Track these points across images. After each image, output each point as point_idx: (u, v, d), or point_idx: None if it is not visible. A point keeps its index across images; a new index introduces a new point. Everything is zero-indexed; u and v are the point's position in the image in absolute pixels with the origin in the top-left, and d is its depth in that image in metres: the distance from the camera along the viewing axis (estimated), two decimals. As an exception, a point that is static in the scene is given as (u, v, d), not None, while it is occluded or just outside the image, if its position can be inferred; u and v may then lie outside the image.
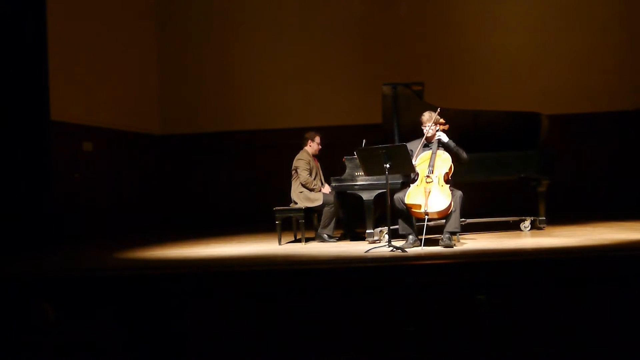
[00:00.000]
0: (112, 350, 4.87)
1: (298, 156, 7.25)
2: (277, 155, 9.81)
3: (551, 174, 7.20)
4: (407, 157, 5.94)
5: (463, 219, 6.65)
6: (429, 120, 6.21)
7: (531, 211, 7.36)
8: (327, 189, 7.20)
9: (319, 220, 7.52)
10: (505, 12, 10.75)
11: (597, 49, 10.46)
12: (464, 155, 6.16)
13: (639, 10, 10.35)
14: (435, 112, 6.27)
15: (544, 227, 7.22)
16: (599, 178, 10.35)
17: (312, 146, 7.33)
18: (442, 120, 6.29)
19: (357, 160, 6.40)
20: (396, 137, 7.00)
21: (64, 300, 4.98)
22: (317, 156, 7.43)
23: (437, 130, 6.22)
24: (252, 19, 11.12)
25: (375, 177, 6.63)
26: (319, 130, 7.70)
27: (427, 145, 6.28)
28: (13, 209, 7.46)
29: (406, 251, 5.75)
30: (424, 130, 6.23)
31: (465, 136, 6.94)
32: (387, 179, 5.96)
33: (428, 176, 6.00)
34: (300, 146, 7.40)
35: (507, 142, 7.22)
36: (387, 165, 5.87)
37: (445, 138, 6.19)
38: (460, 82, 10.50)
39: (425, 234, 5.87)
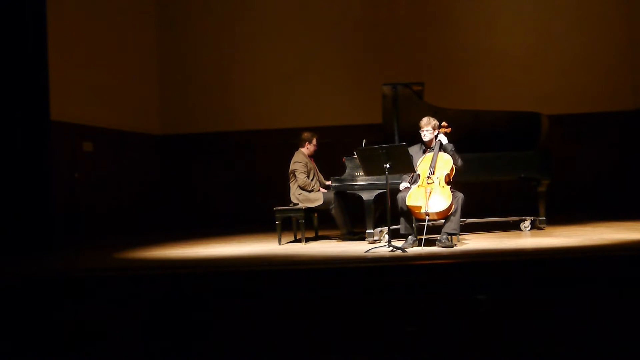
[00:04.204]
0: (110, 350, 4.87)
1: (294, 158, 7.23)
2: (277, 155, 9.82)
3: (551, 174, 7.19)
4: (407, 157, 5.95)
5: (463, 219, 6.65)
6: (426, 125, 6.26)
7: (531, 211, 7.36)
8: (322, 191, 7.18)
9: (319, 220, 7.54)
10: (505, 12, 10.75)
11: (597, 49, 10.46)
12: (460, 162, 6.16)
13: (639, 11, 10.35)
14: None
15: (544, 227, 7.22)
16: (599, 178, 10.36)
17: (309, 148, 7.31)
18: (444, 124, 6.32)
19: (357, 160, 6.40)
20: (396, 137, 7.00)
21: (63, 300, 4.99)
22: (314, 156, 7.41)
23: (438, 133, 6.26)
24: (252, 19, 11.12)
25: (375, 177, 6.63)
26: (317, 130, 7.70)
27: (426, 149, 6.31)
28: (13, 209, 7.45)
29: (406, 251, 5.76)
30: (421, 135, 6.27)
31: (466, 136, 6.95)
32: (387, 179, 5.96)
33: (429, 177, 6.00)
34: (299, 144, 7.38)
35: (507, 142, 7.22)
36: (387, 165, 5.88)
37: (445, 140, 6.22)
38: (460, 82, 10.50)
39: (426, 234, 5.87)
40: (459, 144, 6.41)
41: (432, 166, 6.05)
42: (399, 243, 6.07)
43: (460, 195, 5.99)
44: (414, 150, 6.29)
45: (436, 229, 6.34)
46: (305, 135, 7.35)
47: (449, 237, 5.97)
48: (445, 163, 6.09)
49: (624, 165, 10.33)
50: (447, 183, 6.03)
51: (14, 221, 7.40)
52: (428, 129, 6.25)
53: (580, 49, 10.48)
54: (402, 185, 6.25)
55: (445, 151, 6.18)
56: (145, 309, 4.86)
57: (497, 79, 10.55)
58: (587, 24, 10.52)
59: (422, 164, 6.13)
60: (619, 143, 10.41)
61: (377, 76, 9.48)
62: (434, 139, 6.28)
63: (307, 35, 10.99)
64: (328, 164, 7.86)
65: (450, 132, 6.34)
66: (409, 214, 6.06)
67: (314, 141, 7.32)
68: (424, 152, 6.31)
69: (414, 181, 6.19)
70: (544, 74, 10.46)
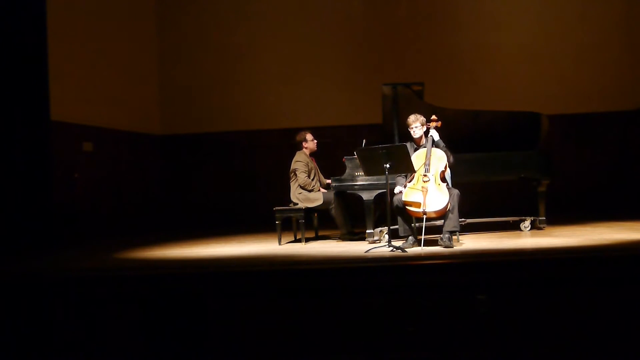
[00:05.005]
0: (110, 350, 4.87)
1: (295, 158, 7.23)
2: (277, 155, 9.83)
3: (551, 174, 7.20)
4: (407, 157, 5.94)
5: (463, 219, 6.66)
6: (414, 122, 6.24)
7: (531, 211, 7.36)
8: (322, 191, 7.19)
9: (319, 220, 7.52)
10: (505, 12, 10.75)
11: (597, 49, 10.46)
12: (451, 158, 6.14)
13: (639, 10, 10.35)
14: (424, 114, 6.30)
15: (544, 227, 7.22)
16: (599, 178, 10.35)
17: (308, 145, 7.30)
18: (434, 117, 6.30)
19: (357, 160, 6.40)
20: (396, 137, 7.01)
21: (63, 300, 4.99)
22: (315, 155, 7.42)
23: (428, 128, 6.24)
24: (252, 19, 11.12)
25: (375, 177, 6.63)
26: (317, 130, 7.71)
27: (417, 147, 6.29)
28: (13, 209, 7.46)
29: (406, 251, 5.75)
30: (411, 133, 6.26)
31: (466, 136, 6.96)
32: (387, 179, 5.95)
33: (425, 175, 5.98)
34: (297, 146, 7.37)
35: (507, 142, 7.22)
36: (387, 165, 5.87)
37: (436, 136, 6.20)
38: (460, 82, 10.50)
39: (425, 234, 5.87)
40: (459, 144, 6.40)
41: (427, 163, 6.03)
42: (398, 243, 6.07)
43: (455, 192, 5.98)
44: None
45: (436, 229, 6.34)
46: (299, 136, 7.33)
47: (450, 235, 5.97)
48: (440, 159, 6.07)
49: (624, 165, 10.33)
50: (442, 180, 6.02)
51: (14, 221, 7.41)
52: (417, 125, 6.24)
53: (580, 48, 10.48)
54: (397, 189, 6.21)
55: (437, 147, 6.17)
56: (145, 309, 4.86)
57: (496, 79, 10.55)
58: (587, 23, 10.52)
59: (416, 161, 6.09)
60: (619, 143, 10.41)
61: (377, 76, 9.48)
62: (423, 136, 6.28)
63: (307, 35, 10.99)
64: (328, 164, 7.85)
65: (451, 132, 6.33)
66: (407, 214, 6.05)
67: (309, 137, 7.31)
68: (415, 150, 6.28)
69: (409, 180, 6.18)
70: (544, 73, 10.46)
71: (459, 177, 6.38)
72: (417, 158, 6.11)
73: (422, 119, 6.26)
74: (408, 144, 6.32)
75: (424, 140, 6.27)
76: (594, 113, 10.39)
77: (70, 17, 8.97)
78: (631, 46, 10.44)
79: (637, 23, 10.38)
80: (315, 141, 7.34)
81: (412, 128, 6.26)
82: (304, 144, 7.29)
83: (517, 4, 10.76)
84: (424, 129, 6.26)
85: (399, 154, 5.91)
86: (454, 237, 6.17)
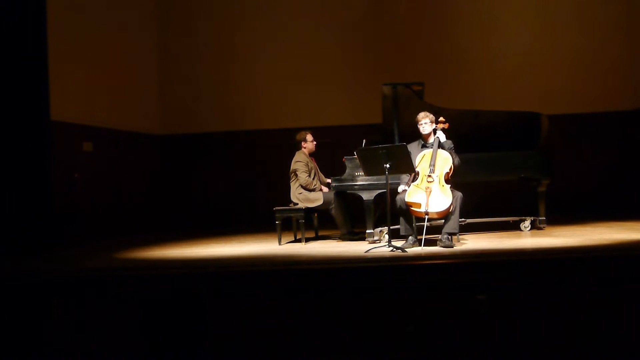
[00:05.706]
0: (110, 350, 4.87)
1: (295, 158, 7.23)
2: (277, 155, 9.80)
3: (551, 174, 7.20)
4: (407, 157, 5.94)
5: (463, 219, 6.66)
6: (423, 117, 6.26)
7: (531, 211, 7.36)
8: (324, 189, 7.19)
9: (319, 220, 7.51)
10: (505, 12, 10.75)
11: (597, 49, 10.46)
12: (457, 160, 6.15)
13: (639, 11, 10.35)
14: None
15: (544, 227, 7.23)
16: (599, 178, 10.35)
17: (307, 146, 7.30)
18: (442, 119, 6.32)
19: (357, 160, 6.40)
20: (396, 137, 7.01)
21: (63, 300, 4.99)
22: (315, 155, 7.42)
23: (435, 129, 6.25)
24: (253, 19, 11.12)
25: (375, 177, 6.63)
26: (317, 130, 7.70)
27: (424, 145, 6.30)
28: (13, 209, 7.45)
29: (406, 251, 5.76)
30: (420, 129, 6.26)
31: (465, 136, 6.95)
32: (387, 179, 5.96)
33: (429, 175, 5.99)
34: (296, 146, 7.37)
35: (507, 142, 7.23)
36: (387, 165, 5.87)
37: (443, 138, 6.22)
38: (460, 82, 10.50)
39: (426, 234, 5.87)
40: (459, 144, 6.40)
41: (432, 164, 6.04)
42: (399, 243, 6.07)
43: (459, 195, 5.99)
44: (412, 147, 6.26)
45: (436, 229, 6.34)
46: (299, 135, 7.34)
47: (450, 236, 5.97)
48: (445, 160, 6.08)
49: (624, 165, 10.33)
50: (447, 181, 6.03)
51: (14, 221, 7.40)
52: (426, 121, 6.26)
53: (581, 48, 10.48)
54: (401, 188, 6.24)
55: (443, 148, 6.17)
56: (145, 309, 4.86)
57: (497, 79, 10.54)
58: (587, 23, 10.52)
59: (421, 161, 6.11)
60: (619, 143, 10.41)
61: (377, 76, 9.47)
62: (432, 133, 6.28)
63: (307, 35, 10.99)
64: (328, 163, 7.86)
65: (451, 132, 6.33)
66: (409, 214, 6.05)
67: (308, 137, 7.31)
68: (423, 147, 6.30)
69: (413, 179, 6.18)
70: (544, 74, 10.46)
71: (459, 177, 6.38)
72: (423, 158, 6.12)
73: (431, 116, 6.29)
74: (416, 142, 6.35)
75: (432, 137, 6.27)
76: (594, 113, 10.39)
77: (70, 17, 8.97)
78: (631, 46, 10.45)
79: (637, 23, 10.38)
80: (315, 142, 7.34)
81: (422, 124, 6.27)
82: (303, 143, 7.28)
83: (517, 4, 10.76)
84: (433, 126, 6.28)
85: (399, 154, 5.91)
86: (454, 237, 6.17)
